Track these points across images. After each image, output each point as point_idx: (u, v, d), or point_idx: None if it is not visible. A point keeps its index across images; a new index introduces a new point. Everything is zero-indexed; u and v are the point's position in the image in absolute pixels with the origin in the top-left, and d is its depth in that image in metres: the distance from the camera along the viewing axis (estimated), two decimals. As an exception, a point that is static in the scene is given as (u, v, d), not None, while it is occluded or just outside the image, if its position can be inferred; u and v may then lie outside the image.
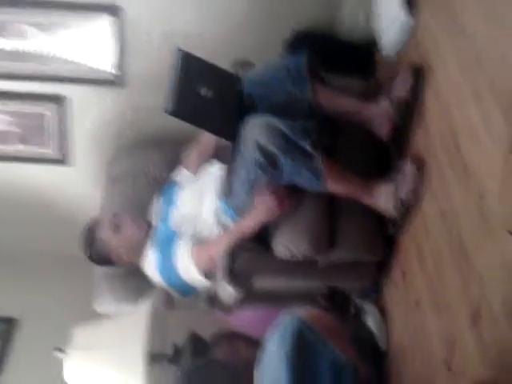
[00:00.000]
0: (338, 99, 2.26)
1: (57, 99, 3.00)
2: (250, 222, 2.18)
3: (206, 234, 2.32)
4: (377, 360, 2.10)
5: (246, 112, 2.20)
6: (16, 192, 3.28)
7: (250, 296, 2.17)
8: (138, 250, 2.40)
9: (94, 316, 2.49)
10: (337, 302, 2.22)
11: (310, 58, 2.26)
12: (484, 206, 1.57)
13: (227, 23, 2.80)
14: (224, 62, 2.36)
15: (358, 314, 2.25)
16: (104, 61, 2.88)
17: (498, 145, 1.53)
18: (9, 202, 3.30)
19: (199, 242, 2.30)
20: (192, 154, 2.58)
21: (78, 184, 3.26)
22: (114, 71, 2.89)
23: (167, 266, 2.30)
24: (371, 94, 2.33)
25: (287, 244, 2.13)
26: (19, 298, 3.24)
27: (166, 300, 2.35)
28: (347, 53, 2.75)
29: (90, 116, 3.06)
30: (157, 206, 2.55)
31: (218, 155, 2.45)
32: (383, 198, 2.09)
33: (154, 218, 2.52)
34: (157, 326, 2.28)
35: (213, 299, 2.32)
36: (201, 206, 2.35)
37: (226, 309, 2.27)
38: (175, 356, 2.31)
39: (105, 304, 2.53)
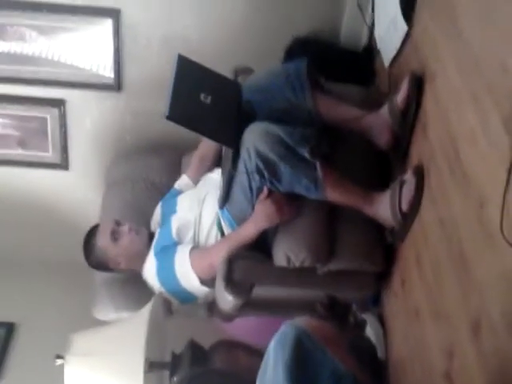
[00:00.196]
0: (337, 107, 2.25)
1: (56, 103, 3.00)
2: (250, 230, 2.17)
3: (205, 241, 2.32)
4: (376, 370, 2.09)
5: (245, 118, 2.20)
6: (15, 197, 3.28)
7: (249, 304, 2.15)
8: (136, 258, 2.40)
9: (93, 322, 2.48)
10: (336, 312, 2.21)
11: (309, 65, 2.26)
12: (483, 214, 1.57)
13: (227, 29, 2.80)
14: (224, 68, 2.35)
15: (358, 324, 2.24)
16: (103, 65, 2.88)
17: (497, 151, 1.53)
18: (8, 206, 3.29)
19: (199, 249, 2.29)
20: (193, 161, 2.58)
21: (77, 188, 3.26)
22: (113, 76, 2.89)
23: (167, 273, 2.29)
24: (371, 102, 2.32)
25: (286, 252, 2.12)
26: (18, 303, 3.23)
27: (165, 307, 2.34)
28: (347, 60, 2.75)
29: (89, 120, 3.06)
30: (157, 214, 2.55)
31: (220, 162, 2.44)
32: (383, 208, 2.08)
33: (155, 226, 2.52)
34: (156, 333, 2.28)
35: (212, 307, 2.32)
36: (201, 212, 2.35)
37: (225, 317, 2.26)
38: (174, 364, 2.30)
39: (104, 311, 2.53)
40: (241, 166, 2.12)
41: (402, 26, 2.27)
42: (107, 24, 2.76)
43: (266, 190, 2.12)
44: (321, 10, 2.78)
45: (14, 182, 3.26)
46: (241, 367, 2.31)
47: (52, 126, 3.05)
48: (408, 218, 2.03)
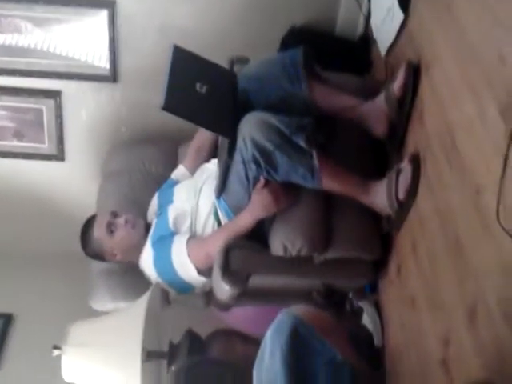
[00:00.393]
0: (333, 96, 2.25)
1: (52, 94, 2.99)
2: (247, 219, 2.17)
3: (202, 231, 2.32)
4: (373, 358, 2.10)
5: (241, 108, 2.19)
6: (11, 188, 3.27)
7: (246, 293, 2.16)
8: (132, 251, 2.41)
9: (90, 313, 2.49)
10: (333, 300, 2.22)
11: (305, 55, 2.26)
12: (480, 201, 1.57)
13: (223, 19, 2.79)
14: (219, 58, 2.34)
15: (354, 312, 2.25)
16: (99, 56, 2.87)
17: (493, 139, 1.53)
18: (4, 198, 3.29)
19: (196, 239, 2.30)
20: (189, 151, 2.58)
21: (73, 180, 3.26)
22: (109, 67, 2.88)
23: (164, 263, 2.30)
24: (367, 90, 2.32)
25: (283, 241, 2.12)
26: (16, 294, 3.24)
27: (163, 297, 2.35)
28: (343, 49, 2.75)
29: (85, 111, 3.05)
30: (154, 204, 2.55)
31: (217, 152, 2.44)
32: (379, 196, 2.08)
33: (151, 216, 2.52)
34: (153, 323, 2.28)
35: (209, 296, 2.33)
36: (197, 202, 2.35)
37: (222, 306, 2.27)
38: (171, 353, 2.31)
39: (101, 301, 2.53)
40: (237, 156, 2.11)
41: (399, 15, 2.27)
42: (103, 15, 2.75)
43: (262, 180, 2.11)
44: (317, -1, 2.78)
45: (10, 174, 3.26)
46: (238, 356, 2.32)
47: (48, 118, 3.05)
48: (404, 206, 2.03)
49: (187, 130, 2.50)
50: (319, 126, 2.15)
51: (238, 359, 2.26)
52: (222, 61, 2.38)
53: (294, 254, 2.13)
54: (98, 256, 2.46)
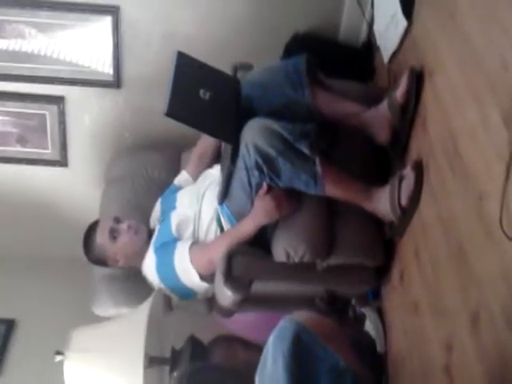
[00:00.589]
0: (336, 103, 2.26)
1: (55, 100, 2.99)
2: (249, 225, 2.17)
3: (205, 237, 2.33)
4: (376, 364, 2.10)
5: (244, 114, 2.20)
6: (14, 193, 3.28)
7: (249, 299, 2.16)
8: (135, 257, 2.41)
9: (92, 318, 2.49)
10: (336, 306, 2.21)
11: (309, 61, 2.26)
12: (483, 208, 1.57)
13: (226, 25, 2.80)
14: (223, 65, 2.35)
15: (357, 318, 2.25)
16: (103, 62, 2.88)
17: (496, 146, 1.53)
18: (7, 203, 3.29)
19: (198, 245, 2.30)
20: (192, 157, 2.59)
21: (76, 185, 3.26)
22: (112, 72, 2.89)
23: (166, 269, 2.30)
24: (370, 97, 2.32)
25: (286, 248, 2.12)
26: (18, 299, 3.23)
27: (165, 303, 2.35)
28: (346, 56, 2.75)
29: (88, 117, 3.06)
30: (157, 210, 2.55)
31: (220, 158, 2.44)
32: (382, 203, 2.08)
33: (154, 222, 2.52)
34: (155, 329, 2.28)
35: (211, 302, 2.32)
36: (200, 208, 2.35)
37: (225, 312, 2.27)
38: (174, 359, 2.31)
39: (103, 307, 2.53)
40: (240, 162, 2.12)
41: (402, 22, 2.27)
42: (106, 21, 2.76)
43: (265, 186, 2.12)
44: (320, 6, 2.78)
45: (14, 179, 3.26)
46: (240, 362, 2.31)
47: (51, 123, 3.05)
48: (407, 212, 2.03)
49: (190, 136, 2.51)
50: (322, 132, 2.15)
51: (240, 365, 2.26)
52: (226, 67, 2.39)
53: (296, 260, 2.13)
54: (101, 261, 2.46)
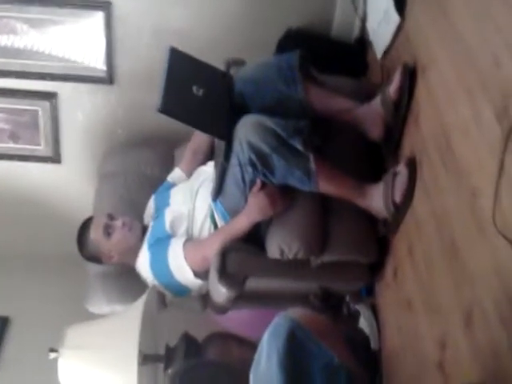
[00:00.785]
0: (329, 99, 2.26)
1: (48, 96, 2.98)
2: (243, 222, 2.17)
3: (199, 234, 2.32)
4: (370, 361, 2.10)
5: (237, 111, 2.19)
6: (6, 190, 3.26)
7: (243, 296, 2.16)
8: (129, 253, 2.40)
9: (86, 316, 2.49)
10: (330, 303, 2.22)
11: (302, 57, 2.26)
12: (476, 204, 1.58)
13: (219, 21, 2.79)
14: (216, 60, 2.34)
15: (351, 315, 2.25)
16: (95, 58, 2.87)
17: (489, 142, 1.53)
18: (0, 200, 3.28)
19: (192, 241, 2.30)
20: (186, 154, 2.58)
21: (69, 182, 3.25)
22: (105, 68, 2.88)
23: (160, 265, 2.29)
24: (363, 93, 2.32)
25: (280, 244, 2.12)
26: (12, 297, 3.22)
27: (159, 300, 2.34)
28: (339, 52, 2.75)
29: (81, 113, 3.05)
30: (150, 207, 2.55)
31: (213, 155, 2.44)
32: (376, 200, 2.09)
33: (148, 219, 2.52)
34: (149, 326, 2.28)
35: (205, 299, 2.32)
36: (194, 205, 2.35)
37: (219, 309, 2.27)
38: (168, 356, 2.31)
39: (97, 304, 2.53)
40: (234, 159, 2.11)
41: (395, 18, 2.27)
42: (98, 16, 2.75)
43: (259, 183, 2.12)
44: (313, 1, 2.78)
45: (6, 176, 3.25)
46: (234, 359, 2.31)
47: (43, 119, 3.04)
48: (401, 209, 2.04)
49: (183, 133, 2.50)
50: (315, 128, 2.15)
51: (234, 362, 2.26)
52: (218, 63, 2.38)
53: (290, 257, 2.13)
54: (95, 258, 2.46)
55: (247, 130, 2.07)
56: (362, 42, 2.72)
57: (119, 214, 2.47)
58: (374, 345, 2.17)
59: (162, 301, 2.36)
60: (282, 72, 2.24)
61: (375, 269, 2.24)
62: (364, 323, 2.24)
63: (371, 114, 2.20)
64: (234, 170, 2.14)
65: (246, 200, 2.16)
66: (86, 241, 2.44)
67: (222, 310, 2.27)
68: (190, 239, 2.31)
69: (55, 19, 2.77)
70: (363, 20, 2.67)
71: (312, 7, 2.78)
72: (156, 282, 2.33)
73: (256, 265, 2.19)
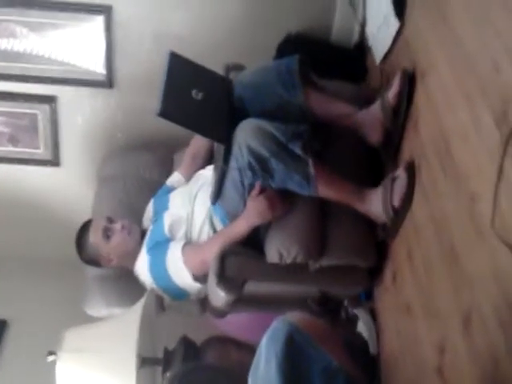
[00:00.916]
0: (329, 104, 2.26)
1: (47, 100, 2.99)
2: (242, 226, 2.17)
3: (197, 238, 2.32)
4: (368, 366, 2.10)
5: (237, 115, 2.20)
6: (5, 193, 3.26)
7: (242, 300, 2.16)
8: (128, 257, 2.40)
9: (85, 319, 2.48)
10: (328, 307, 2.22)
11: (301, 62, 2.26)
12: (474, 209, 1.58)
13: (218, 26, 2.80)
14: (215, 65, 2.35)
15: (350, 319, 2.25)
16: (95, 62, 2.87)
17: (488, 147, 1.54)
18: (-1, 203, 3.29)
19: (191, 245, 2.29)
20: (185, 158, 2.59)
21: (68, 185, 3.25)
22: (105, 72, 2.88)
23: (159, 269, 2.29)
24: (363, 98, 2.33)
25: (279, 248, 2.13)
26: (10, 300, 3.22)
27: (158, 304, 2.34)
28: (338, 57, 2.76)
29: (80, 117, 3.05)
30: (149, 210, 2.55)
31: (212, 159, 2.44)
32: (375, 204, 2.09)
33: (147, 222, 2.52)
34: (148, 329, 2.28)
35: (204, 303, 2.32)
36: (193, 209, 2.35)
37: (218, 313, 2.27)
38: (166, 360, 2.31)
39: (96, 307, 2.53)
40: (233, 163, 2.12)
41: (394, 23, 2.27)
42: (99, 20, 2.75)
43: (258, 187, 2.12)
44: (313, 6, 2.78)
45: (5, 179, 3.25)
46: (233, 363, 2.31)
47: (43, 123, 3.04)
48: (400, 213, 2.04)
49: (183, 137, 2.50)
50: (315, 133, 2.15)
51: (232, 366, 2.26)
52: (218, 68, 2.39)
53: (289, 261, 2.13)
54: (94, 261, 2.46)
55: (246, 134, 2.08)
56: (362, 47, 2.72)
57: (118, 218, 2.47)
58: (372, 349, 2.17)
59: (160, 304, 2.36)
60: (282, 76, 2.25)
61: (374, 273, 2.24)
62: (362, 327, 2.24)
63: (370, 119, 2.20)
64: (233, 174, 2.14)
65: (244, 204, 2.17)
66: (85, 244, 2.43)
67: (220, 313, 2.26)
68: (188, 243, 2.31)
69: (55, 23, 2.78)
70: (363, 25, 2.68)
71: (312, 12, 2.79)
72: (154, 286, 2.33)
73: (255, 269, 2.19)
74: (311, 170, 2.06)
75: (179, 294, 2.33)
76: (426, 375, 1.77)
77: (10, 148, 3.12)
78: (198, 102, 2.15)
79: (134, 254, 2.39)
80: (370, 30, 2.56)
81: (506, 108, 1.47)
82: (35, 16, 2.76)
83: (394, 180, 2.05)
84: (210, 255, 2.16)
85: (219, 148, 2.24)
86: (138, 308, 2.23)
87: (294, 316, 1.65)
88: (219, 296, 2.12)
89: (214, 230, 2.29)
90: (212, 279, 2.11)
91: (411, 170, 2.01)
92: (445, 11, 1.90)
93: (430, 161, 1.91)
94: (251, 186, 2.13)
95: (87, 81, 2.91)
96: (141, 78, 2.89)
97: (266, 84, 2.26)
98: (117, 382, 2.19)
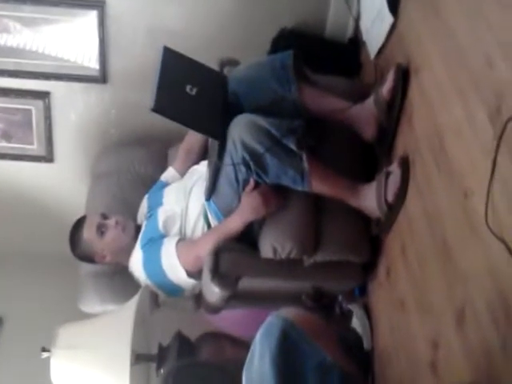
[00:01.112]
0: (323, 98, 2.25)
1: (41, 95, 2.97)
2: (236, 222, 2.17)
3: (192, 234, 2.32)
4: (362, 361, 2.10)
5: (231, 110, 2.19)
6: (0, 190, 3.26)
7: (236, 296, 2.16)
8: (122, 253, 2.40)
9: (79, 315, 2.48)
10: (322, 303, 2.22)
11: (295, 57, 2.26)
12: (468, 204, 1.58)
13: (213, 21, 2.79)
14: (209, 60, 2.34)
15: (344, 315, 2.25)
16: (88, 57, 2.86)
17: (481, 143, 1.54)
18: (-8, 199, 3.28)
19: (185, 241, 2.29)
20: (179, 154, 2.58)
21: (62, 181, 3.24)
22: (98, 68, 2.87)
23: (153, 265, 2.29)
24: (357, 93, 2.33)
25: (273, 244, 2.13)
26: (4, 296, 3.21)
27: (152, 300, 2.34)
28: (333, 52, 2.75)
29: (74, 112, 3.04)
30: (144, 206, 2.55)
31: (207, 155, 2.43)
32: (369, 199, 2.09)
33: (141, 218, 2.52)
34: (142, 325, 2.28)
35: (198, 299, 2.32)
36: (187, 205, 2.34)
37: (212, 309, 2.26)
38: (161, 356, 2.31)
39: (90, 303, 2.53)
40: (227, 158, 2.11)
41: (388, 18, 2.27)
42: (92, 15, 2.74)
43: (252, 182, 2.12)
44: (307, 1, 2.78)
45: (-1, 175, 3.25)
46: (227, 359, 2.32)
47: (37, 119, 3.03)
48: (393, 209, 2.04)
49: (177, 132, 2.49)
50: (309, 128, 2.15)
51: (227, 362, 2.26)
52: (212, 63, 2.38)
53: (283, 256, 2.13)
54: (88, 257, 2.45)
55: (241, 130, 2.07)
56: (356, 42, 2.72)
57: (112, 214, 2.47)
58: (366, 344, 2.17)
59: (154, 300, 2.36)
60: (276, 72, 2.24)
61: (368, 268, 2.24)
62: (357, 323, 2.24)
63: (364, 114, 2.20)
64: (227, 170, 2.14)
65: (239, 199, 2.16)
66: (79, 240, 2.43)
67: (214, 309, 2.26)
68: (183, 239, 2.31)
69: (48, 18, 2.76)
70: (357, 20, 2.67)
71: (306, 7, 2.78)
72: (149, 282, 2.32)
73: (249, 264, 2.19)
74: (305, 165, 2.06)
75: (173, 290, 2.33)
76: (419, 370, 1.77)
77: (4, 144, 3.11)
78: (192, 97, 2.15)
79: (128, 250, 2.39)
80: (364, 24, 2.55)
81: (499, 103, 1.47)
82: (28, 11, 2.74)
83: (387, 175, 2.05)
84: (204, 251, 2.15)
85: (213, 143, 2.23)
86: (132, 304, 2.23)
87: (289, 311, 1.65)
88: (213, 292, 2.11)
89: (209, 226, 2.29)
90: (206, 275, 2.11)
91: (405, 166, 2.01)
92: (438, 5, 1.90)
93: (423, 156, 1.91)
94: (245, 182, 2.13)
95: (81, 76, 2.90)
96: (134, 73, 2.88)
97: (260, 79, 2.25)
98: (111, 379, 2.19)
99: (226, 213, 2.22)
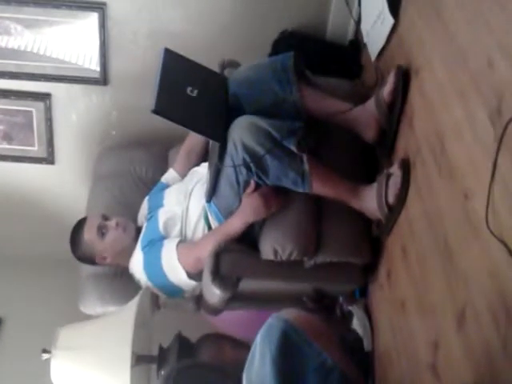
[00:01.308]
0: (324, 100, 2.26)
1: (42, 97, 2.98)
2: (237, 223, 2.17)
3: (192, 235, 2.32)
4: (363, 362, 2.10)
5: (232, 112, 2.20)
6: (0, 191, 3.25)
7: (237, 297, 2.16)
8: (123, 254, 2.40)
9: (79, 316, 2.48)
10: (323, 304, 2.22)
11: (296, 59, 2.26)
12: (469, 206, 1.58)
13: (213, 23, 2.79)
14: (210, 62, 2.34)
15: (344, 316, 2.25)
16: (89, 59, 2.86)
17: (482, 144, 1.54)
18: (-7, 201, 3.28)
19: (186, 242, 2.30)
20: (180, 155, 2.58)
21: (63, 183, 3.25)
22: (99, 69, 2.88)
23: (154, 267, 2.29)
24: (357, 95, 2.33)
25: (274, 245, 2.13)
26: (5, 297, 3.22)
27: (153, 301, 2.34)
28: (333, 54, 2.76)
29: (75, 114, 3.04)
30: (144, 207, 2.55)
31: (207, 156, 2.44)
32: (369, 201, 2.09)
33: (142, 220, 2.52)
34: (143, 327, 2.28)
35: (199, 300, 2.32)
36: (187, 206, 2.35)
37: (212, 310, 2.27)
38: (161, 357, 2.31)
39: (91, 305, 2.53)
40: (227, 160, 2.11)
41: (389, 20, 2.27)
42: (93, 17, 2.75)
43: (252, 184, 2.12)
44: (308, 3, 2.78)
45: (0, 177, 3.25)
46: (227, 360, 2.32)
47: (38, 120, 3.03)
48: (394, 210, 2.04)
49: (177, 134, 2.50)
50: (310, 130, 2.15)
51: (227, 363, 2.26)
52: (213, 65, 2.38)
53: (284, 258, 2.13)
54: (88, 259, 2.46)
55: (241, 131, 2.07)
56: (357, 44, 2.72)
57: (113, 215, 2.47)
58: (367, 346, 2.17)
59: (155, 302, 2.36)
60: (277, 73, 2.24)
61: (369, 270, 2.24)
62: (357, 324, 2.24)
63: (365, 116, 2.20)
64: (227, 171, 2.14)
65: (239, 201, 2.16)
66: (80, 241, 2.43)
67: (215, 311, 2.26)
68: (183, 240, 2.31)
69: (50, 20, 2.77)
70: (357, 22, 2.68)
71: (307, 9, 2.79)
72: (149, 283, 2.33)
73: (249, 266, 2.19)
74: (306, 166, 2.06)
75: (174, 292, 2.33)
76: (419, 371, 1.77)
77: (5, 145, 3.11)
78: (193, 99, 2.15)
79: (128, 252, 2.39)
80: (365, 27, 2.56)
81: (500, 105, 1.47)
82: (30, 13, 2.75)
83: (388, 177, 2.05)
84: (205, 253, 2.15)
85: (214, 145, 2.23)
86: (132, 306, 2.23)
87: (289, 313, 1.65)
88: (214, 293, 2.11)
89: (209, 228, 2.29)
90: (207, 277, 2.11)
91: (406, 167, 2.01)
92: (438, 7, 1.90)
93: (424, 158, 1.91)
94: (246, 183, 2.13)
95: (82, 78, 2.91)
96: (135, 75, 2.88)
97: (260, 81, 2.25)
98: (111, 380, 2.19)
99: (226, 214, 2.22)
